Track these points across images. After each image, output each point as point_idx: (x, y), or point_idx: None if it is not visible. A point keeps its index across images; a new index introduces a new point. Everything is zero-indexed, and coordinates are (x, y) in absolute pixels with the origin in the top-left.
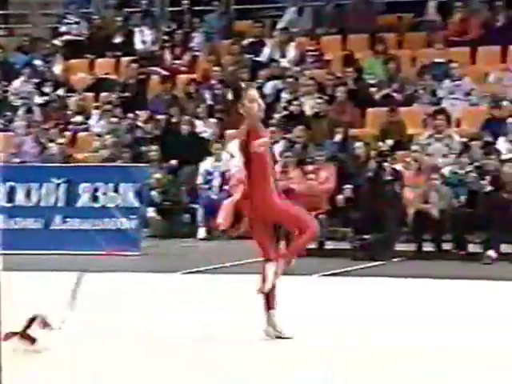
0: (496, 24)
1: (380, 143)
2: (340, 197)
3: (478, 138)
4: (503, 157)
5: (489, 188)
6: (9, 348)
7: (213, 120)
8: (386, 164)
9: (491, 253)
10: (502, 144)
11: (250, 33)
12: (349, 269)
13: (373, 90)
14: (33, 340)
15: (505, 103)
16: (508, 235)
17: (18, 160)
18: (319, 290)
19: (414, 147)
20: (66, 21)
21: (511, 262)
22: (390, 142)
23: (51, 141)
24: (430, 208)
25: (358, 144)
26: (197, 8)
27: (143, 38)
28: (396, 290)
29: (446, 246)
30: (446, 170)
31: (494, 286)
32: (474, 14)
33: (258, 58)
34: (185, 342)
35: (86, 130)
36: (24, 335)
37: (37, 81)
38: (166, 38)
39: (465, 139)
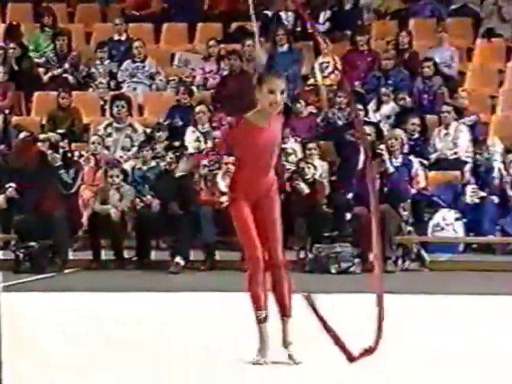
0: None
1: (50, 133)
2: (1, 197)
3: (163, 129)
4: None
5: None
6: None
7: None
8: (57, 156)
9: (179, 260)
10: (189, 134)
11: None
12: (11, 283)
13: (40, 70)
14: None
15: (194, 89)
16: (197, 240)
17: None
18: None
19: (91, 138)
20: None
21: (200, 270)
22: (60, 131)
23: None
24: (108, 209)
25: (22, 134)
26: None
27: None
28: (66, 305)
29: (129, 254)
30: (127, 165)
31: (178, 297)
32: None
33: None
34: None
35: None
36: None
37: None
38: None
39: (148, 129)
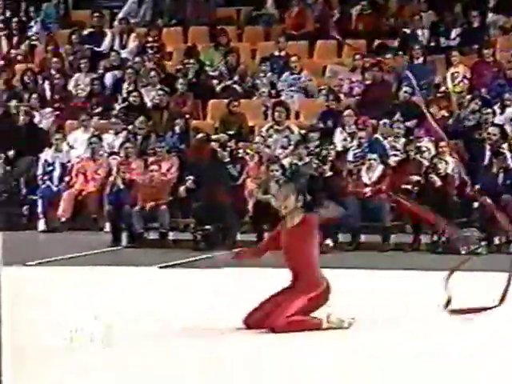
0: (332, 18)
1: (221, 134)
2: (181, 188)
3: (315, 130)
4: (338, 148)
5: (329, 173)
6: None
7: (49, 110)
8: (225, 153)
9: (329, 241)
10: (338, 135)
11: (89, 23)
12: (190, 259)
13: (213, 81)
14: None
15: (341, 96)
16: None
17: None
18: (160, 280)
19: (255, 139)
20: None
21: (346, 251)
22: (230, 133)
23: None
24: (269, 198)
25: (199, 135)
26: None
27: None
28: (233, 280)
29: None
30: (285, 161)
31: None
32: (309, 8)
33: (97, 49)
34: None
35: None
36: None
37: None
38: (1, 26)
39: (303, 131)
